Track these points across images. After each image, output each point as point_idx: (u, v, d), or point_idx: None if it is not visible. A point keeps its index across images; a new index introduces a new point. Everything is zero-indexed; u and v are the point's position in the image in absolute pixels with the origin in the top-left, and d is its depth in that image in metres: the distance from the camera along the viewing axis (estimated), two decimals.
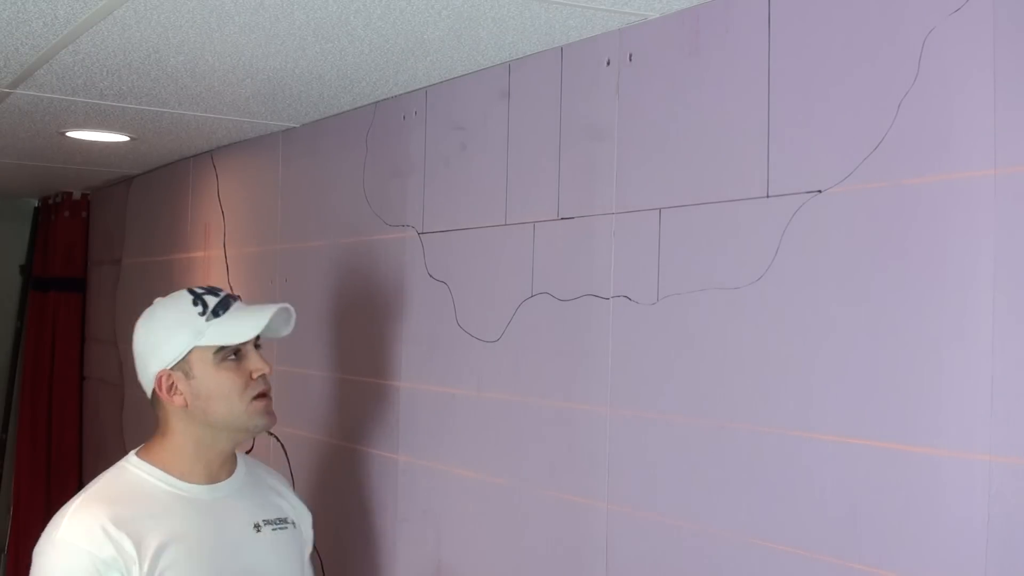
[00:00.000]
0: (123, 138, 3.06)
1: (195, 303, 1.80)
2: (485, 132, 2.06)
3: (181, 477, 1.79)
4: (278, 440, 2.81)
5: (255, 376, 1.80)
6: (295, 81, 2.24)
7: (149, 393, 1.83)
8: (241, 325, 1.80)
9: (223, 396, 1.78)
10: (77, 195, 4.61)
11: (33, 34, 1.91)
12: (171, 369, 1.78)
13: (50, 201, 4.78)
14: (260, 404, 1.81)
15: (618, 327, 1.73)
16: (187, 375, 1.78)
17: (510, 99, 2.00)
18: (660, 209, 1.66)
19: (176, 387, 1.78)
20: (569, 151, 1.85)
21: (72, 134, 2.99)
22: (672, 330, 1.63)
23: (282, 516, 1.93)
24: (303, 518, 2.00)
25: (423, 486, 2.21)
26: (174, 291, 1.89)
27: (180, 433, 1.80)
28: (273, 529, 1.89)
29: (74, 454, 4.58)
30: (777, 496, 1.44)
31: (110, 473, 1.80)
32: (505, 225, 1.99)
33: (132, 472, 1.79)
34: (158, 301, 1.88)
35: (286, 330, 1.91)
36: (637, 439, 1.68)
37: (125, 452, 1.89)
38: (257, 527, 1.86)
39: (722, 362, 1.54)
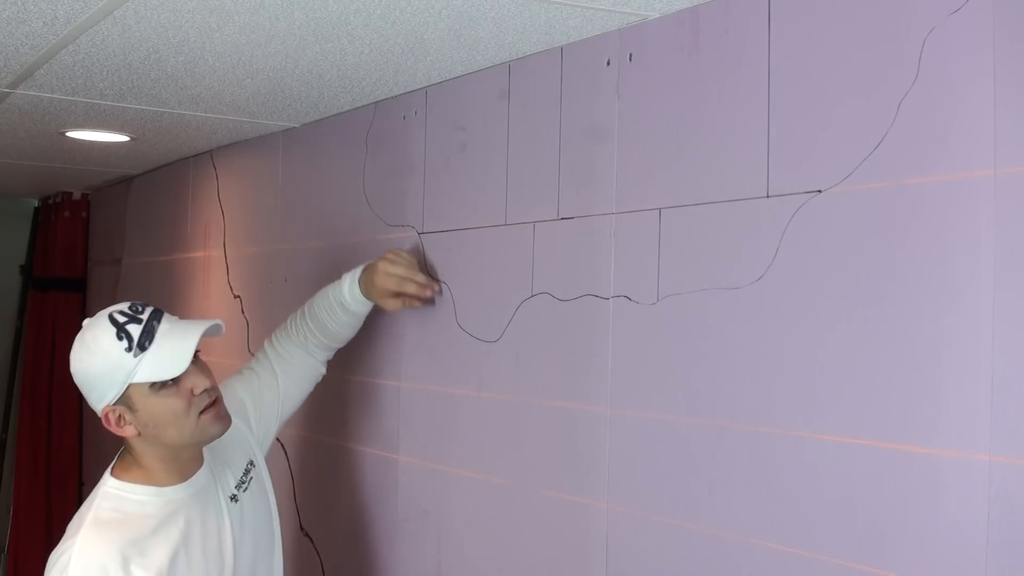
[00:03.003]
0: (123, 138, 3.06)
1: (119, 337, 1.72)
2: (485, 132, 2.06)
3: (163, 484, 1.81)
4: (278, 440, 2.81)
5: (196, 392, 1.77)
6: (295, 81, 2.24)
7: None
8: (170, 359, 1.73)
9: (171, 422, 1.76)
10: (77, 195, 4.61)
11: (33, 34, 1.91)
12: (114, 404, 1.75)
13: (50, 201, 4.78)
14: (208, 415, 1.79)
15: (618, 327, 1.73)
16: (130, 408, 1.75)
17: (510, 99, 2.00)
18: (660, 209, 1.66)
19: (124, 419, 1.76)
20: (569, 151, 1.85)
21: (72, 134, 2.99)
22: (672, 330, 1.63)
23: (246, 463, 1.99)
24: (250, 430, 2.06)
25: (423, 486, 2.21)
26: (91, 318, 1.81)
27: (144, 454, 1.81)
28: (245, 489, 1.95)
29: (74, 454, 4.58)
30: (777, 496, 1.44)
31: (98, 501, 1.78)
32: (505, 225, 1.99)
33: (117, 495, 1.79)
34: (86, 328, 1.79)
35: (218, 334, 1.86)
36: (637, 439, 1.68)
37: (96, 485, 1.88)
38: (234, 498, 1.92)
39: (722, 362, 1.54)
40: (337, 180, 2.58)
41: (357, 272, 2.15)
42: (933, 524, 1.25)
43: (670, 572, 1.61)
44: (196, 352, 1.77)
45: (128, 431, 1.77)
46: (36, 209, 5.05)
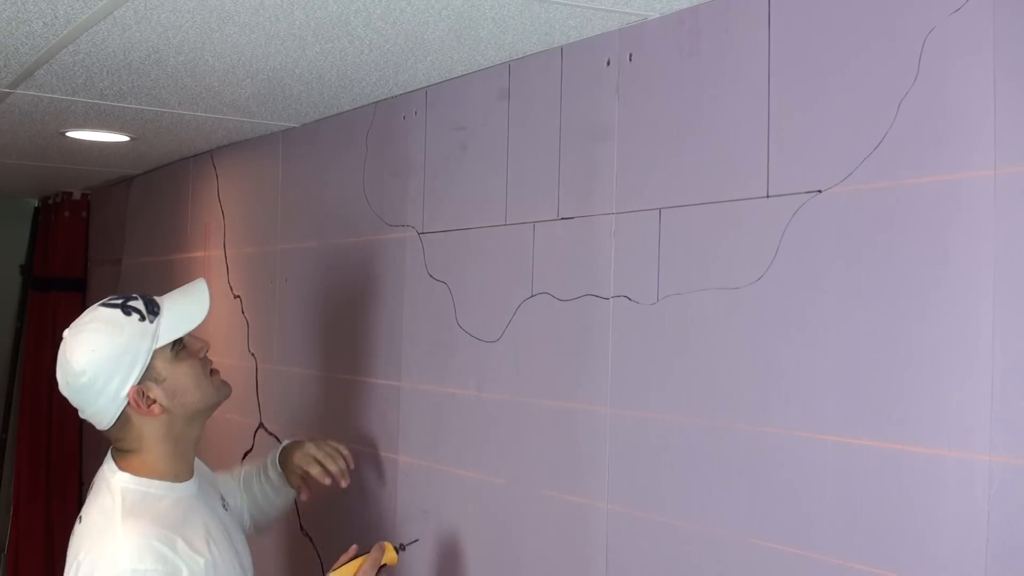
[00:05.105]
0: (123, 138, 3.06)
1: (127, 313, 1.76)
2: (485, 132, 2.06)
3: (175, 480, 1.80)
4: (278, 440, 2.81)
5: (202, 355, 1.85)
6: (295, 81, 2.24)
7: (113, 420, 1.77)
8: (187, 311, 1.81)
9: (194, 384, 1.81)
10: (77, 195, 4.61)
11: (33, 34, 1.91)
12: (139, 384, 1.75)
13: (50, 201, 4.78)
14: (218, 377, 1.88)
15: (618, 327, 1.73)
16: (157, 381, 1.76)
17: (510, 99, 2.00)
18: (660, 209, 1.66)
19: (149, 397, 1.76)
20: (569, 151, 1.85)
21: (72, 134, 2.99)
22: (672, 330, 1.63)
23: (220, 496, 2.00)
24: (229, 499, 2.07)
25: (423, 486, 2.21)
26: (70, 327, 1.80)
27: (159, 441, 1.79)
28: (226, 508, 1.97)
29: (74, 454, 4.58)
30: (777, 496, 1.44)
31: (119, 495, 1.74)
32: (505, 225, 2.00)
33: (137, 489, 1.76)
34: (81, 327, 1.77)
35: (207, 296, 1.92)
36: (637, 439, 1.68)
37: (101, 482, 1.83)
38: (224, 505, 1.95)
39: (722, 362, 1.54)
40: (337, 180, 2.58)
41: (286, 441, 2.22)
42: (933, 524, 1.25)
43: (670, 572, 1.61)
44: None
45: (155, 410, 1.76)
46: (36, 209, 5.05)
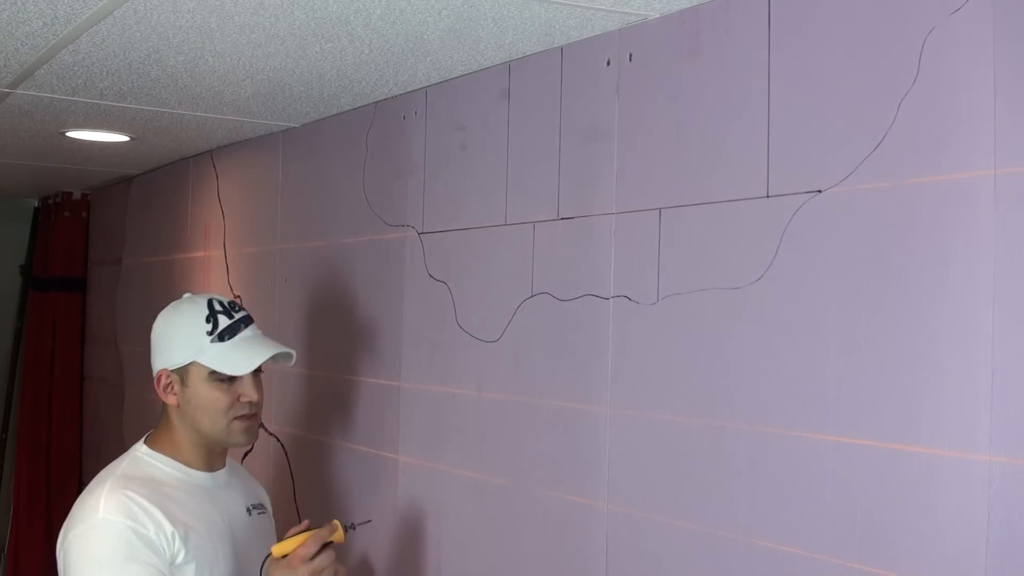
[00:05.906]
0: (123, 138, 3.06)
1: (208, 320, 1.88)
2: (485, 132, 2.06)
3: (188, 465, 1.90)
4: (278, 440, 2.82)
5: (242, 400, 1.89)
6: (295, 81, 2.24)
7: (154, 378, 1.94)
8: (239, 359, 1.88)
9: (208, 411, 1.88)
10: (77, 195, 4.61)
11: (33, 34, 1.91)
12: (172, 371, 1.89)
13: (50, 201, 4.78)
14: (241, 424, 1.90)
15: (618, 327, 1.73)
16: (183, 381, 1.88)
17: (510, 99, 2.00)
18: (660, 209, 1.66)
19: (172, 387, 1.89)
20: (569, 151, 1.85)
21: (72, 134, 2.99)
22: (672, 330, 1.63)
23: (261, 502, 2.08)
24: (268, 502, 2.15)
25: (423, 486, 2.21)
26: (193, 294, 1.98)
27: (177, 427, 1.91)
28: (259, 513, 2.03)
29: (74, 454, 4.57)
30: (777, 496, 1.44)
31: (126, 461, 1.88)
32: (505, 225, 2.00)
33: (146, 461, 1.88)
34: (185, 299, 1.95)
35: (287, 362, 2.00)
36: (637, 439, 1.68)
37: (125, 451, 1.94)
38: (248, 511, 1.99)
39: (722, 362, 1.54)
40: (337, 180, 2.58)
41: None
42: (933, 524, 1.25)
43: (670, 572, 1.61)
44: (260, 368, 1.91)
45: (170, 399, 1.89)
46: (36, 209, 5.05)
